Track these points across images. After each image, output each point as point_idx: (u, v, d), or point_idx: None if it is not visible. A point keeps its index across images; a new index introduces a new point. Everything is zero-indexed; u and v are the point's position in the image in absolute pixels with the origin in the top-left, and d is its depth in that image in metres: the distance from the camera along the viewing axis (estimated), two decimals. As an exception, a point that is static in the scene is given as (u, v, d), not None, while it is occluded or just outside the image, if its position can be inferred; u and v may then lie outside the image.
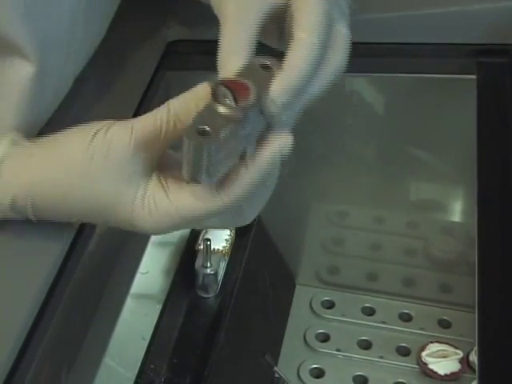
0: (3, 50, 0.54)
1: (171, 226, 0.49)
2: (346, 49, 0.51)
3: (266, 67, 0.47)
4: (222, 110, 0.45)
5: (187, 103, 0.48)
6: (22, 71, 0.55)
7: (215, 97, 0.45)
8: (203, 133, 0.44)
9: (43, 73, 0.56)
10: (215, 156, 0.44)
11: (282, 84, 0.46)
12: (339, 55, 0.50)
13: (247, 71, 0.48)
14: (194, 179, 0.45)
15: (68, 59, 0.59)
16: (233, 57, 0.49)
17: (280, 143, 0.47)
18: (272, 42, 0.53)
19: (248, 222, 0.51)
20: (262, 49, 0.51)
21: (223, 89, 0.45)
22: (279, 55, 0.48)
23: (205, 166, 0.44)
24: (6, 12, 0.52)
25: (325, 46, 0.49)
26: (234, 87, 0.45)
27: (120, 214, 0.50)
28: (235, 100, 0.45)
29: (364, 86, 0.80)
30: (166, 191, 0.49)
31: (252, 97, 0.45)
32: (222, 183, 0.47)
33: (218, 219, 0.50)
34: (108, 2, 0.64)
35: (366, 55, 0.73)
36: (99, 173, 0.49)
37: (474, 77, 0.70)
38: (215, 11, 0.54)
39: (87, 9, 0.59)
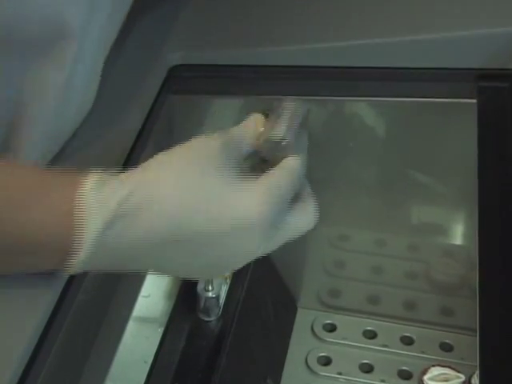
0: (51, 35, 0.57)
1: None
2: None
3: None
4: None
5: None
6: (56, 77, 0.58)
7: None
8: None
9: (71, 83, 0.59)
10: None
11: None
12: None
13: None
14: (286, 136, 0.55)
15: (92, 72, 0.63)
16: None
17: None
18: None
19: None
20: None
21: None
22: None
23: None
24: None
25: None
26: None
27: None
28: None
29: (365, 110, 0.80)
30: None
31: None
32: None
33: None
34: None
35: (366, 79, 0.73)
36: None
37: (474, 101, 0.70)
38: None
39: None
